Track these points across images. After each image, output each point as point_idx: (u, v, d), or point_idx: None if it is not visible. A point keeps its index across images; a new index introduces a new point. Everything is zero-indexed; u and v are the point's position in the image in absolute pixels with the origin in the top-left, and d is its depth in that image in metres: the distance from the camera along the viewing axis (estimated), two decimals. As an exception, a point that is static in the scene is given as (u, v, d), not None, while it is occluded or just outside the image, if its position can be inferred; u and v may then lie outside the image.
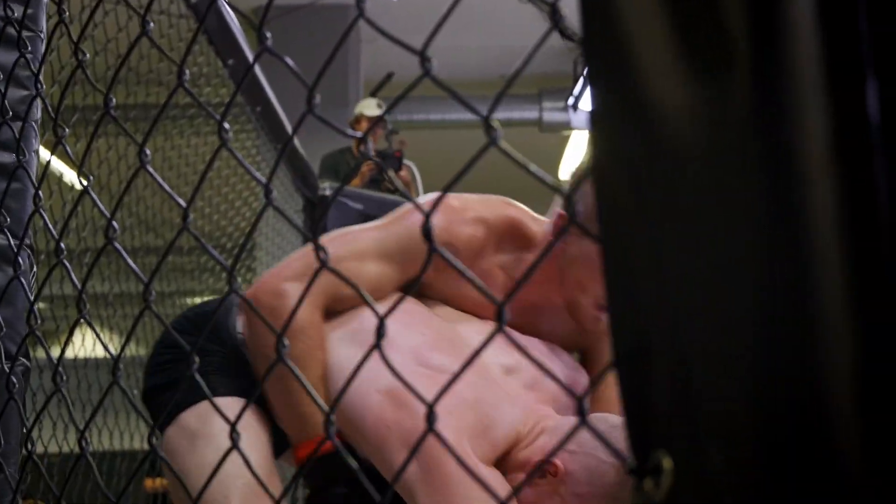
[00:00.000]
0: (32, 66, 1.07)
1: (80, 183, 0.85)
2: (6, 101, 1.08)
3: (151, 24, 0.78)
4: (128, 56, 0.76)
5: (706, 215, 0.47)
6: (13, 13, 1.16)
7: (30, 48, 1.08)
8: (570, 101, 6.92)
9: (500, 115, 7.24)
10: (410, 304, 1.46)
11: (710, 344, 0.46)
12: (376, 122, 4.96)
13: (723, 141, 0.46)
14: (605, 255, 0.51)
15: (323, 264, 0.72)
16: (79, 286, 0.89)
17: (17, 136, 1.03)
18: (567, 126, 7.35)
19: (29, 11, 1.19)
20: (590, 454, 1.34)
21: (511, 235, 1.54)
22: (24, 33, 1.07)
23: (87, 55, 0.83)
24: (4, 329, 1.09)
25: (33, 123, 1.15)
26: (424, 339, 1.40)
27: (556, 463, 1.35)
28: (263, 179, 0.69)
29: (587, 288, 1.46)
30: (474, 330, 1.48)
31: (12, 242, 1.08)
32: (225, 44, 2.97)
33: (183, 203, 0.76)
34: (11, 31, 1.12)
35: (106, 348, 0.93)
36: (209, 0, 2.36)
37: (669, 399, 0.48)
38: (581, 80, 6.74)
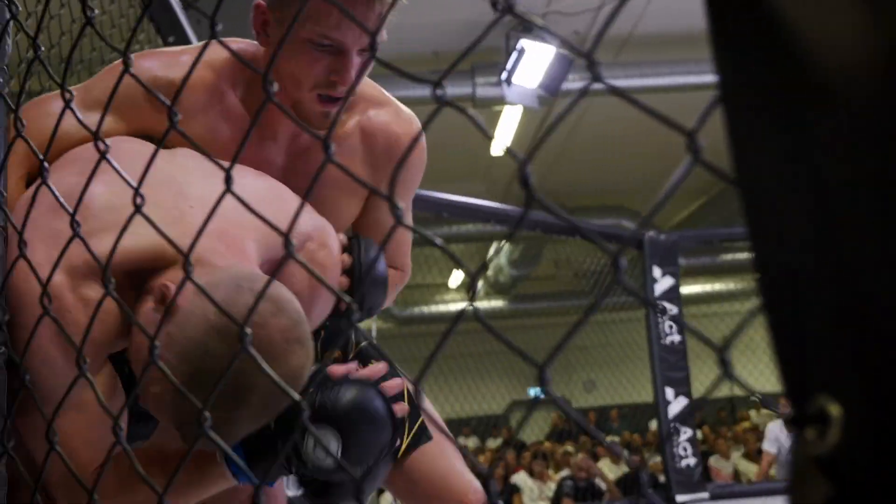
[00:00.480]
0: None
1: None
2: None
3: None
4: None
5: (866, 143, 0.44)
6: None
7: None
8: (503, 75, 6.87)
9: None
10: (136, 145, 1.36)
11: (883, 259, 0.42)
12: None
13: (878, 69, 0.43)
14: (741, 189, 0.48)
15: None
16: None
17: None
18: (500, 101, 7.25)
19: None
20: (202, 300, 1.13)
21: (240, 68, 1.50)
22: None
23: (96, 11, 0.78)
24: None
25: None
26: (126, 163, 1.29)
27: (168, 285, 1.18)
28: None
29: (300, 79, 1.43)
30: (188, 158, 1.36)
31: None
32: (165, 20, 2.89)
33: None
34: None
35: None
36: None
37: (832, 331, 0.44)
38: (513, 55, 6.74)
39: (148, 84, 0.92)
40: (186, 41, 2.95)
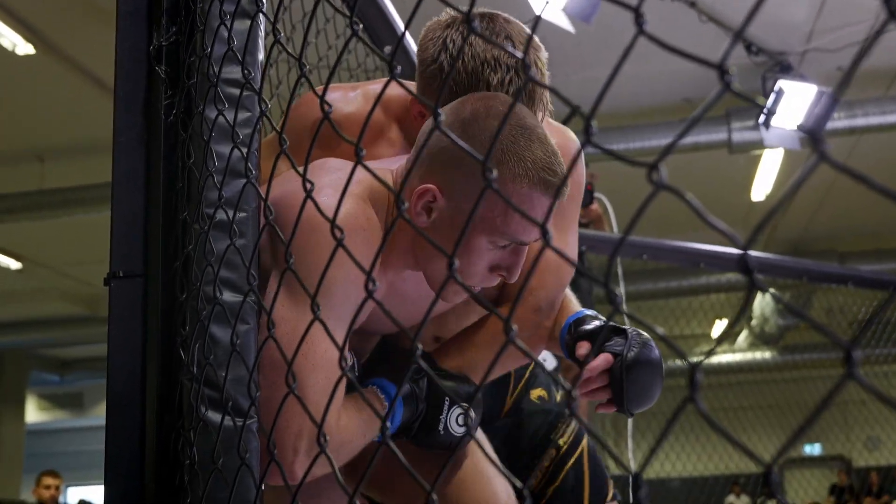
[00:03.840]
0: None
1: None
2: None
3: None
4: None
5: None
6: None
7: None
8: (761, 118, 6.59)
9: (689, 139, 6.53)
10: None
11: None
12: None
13: None
14: None
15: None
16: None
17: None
18: (758, 145, 6.93)
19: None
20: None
21: (404, 104, 1.58)
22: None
23: (361, 25, 0.86)
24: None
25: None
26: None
27: (429, 188, 1.26)
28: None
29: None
30: None
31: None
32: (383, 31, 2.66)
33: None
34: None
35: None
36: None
37: None
38: (771, 96, 6.17)
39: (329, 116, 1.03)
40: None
